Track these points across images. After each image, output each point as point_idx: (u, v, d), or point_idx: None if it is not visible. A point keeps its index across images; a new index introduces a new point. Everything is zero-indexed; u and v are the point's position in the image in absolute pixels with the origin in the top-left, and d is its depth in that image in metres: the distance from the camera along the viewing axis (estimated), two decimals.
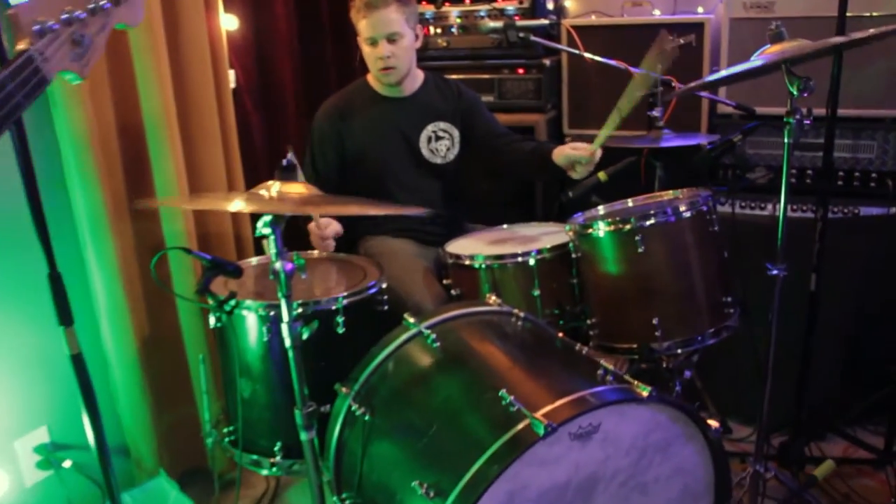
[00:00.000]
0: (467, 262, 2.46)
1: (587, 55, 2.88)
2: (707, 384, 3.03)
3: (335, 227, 2.52)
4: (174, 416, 2.72)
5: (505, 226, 2.82)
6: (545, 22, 2.97)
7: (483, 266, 2.43)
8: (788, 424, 2.72)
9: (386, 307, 2.38)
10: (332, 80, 3.14)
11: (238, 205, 1.73)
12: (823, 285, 2.57)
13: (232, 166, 2.81)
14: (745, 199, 3.01)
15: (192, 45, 2.59)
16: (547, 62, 3.37)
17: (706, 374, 2.86)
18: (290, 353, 1.87)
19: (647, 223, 2.15)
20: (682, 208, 2.18)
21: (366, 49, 2.70)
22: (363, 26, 2.65)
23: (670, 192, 2.47)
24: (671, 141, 2.59)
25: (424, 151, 2.83)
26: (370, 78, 2.83)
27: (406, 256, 2.73)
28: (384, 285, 2.37)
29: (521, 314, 2.05)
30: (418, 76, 2.87)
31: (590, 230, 2.25)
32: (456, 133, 2.87)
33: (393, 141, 2.81)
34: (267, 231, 1.79)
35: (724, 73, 2.11)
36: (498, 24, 2.86)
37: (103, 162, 2.35)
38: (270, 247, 1.82)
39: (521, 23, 2.88)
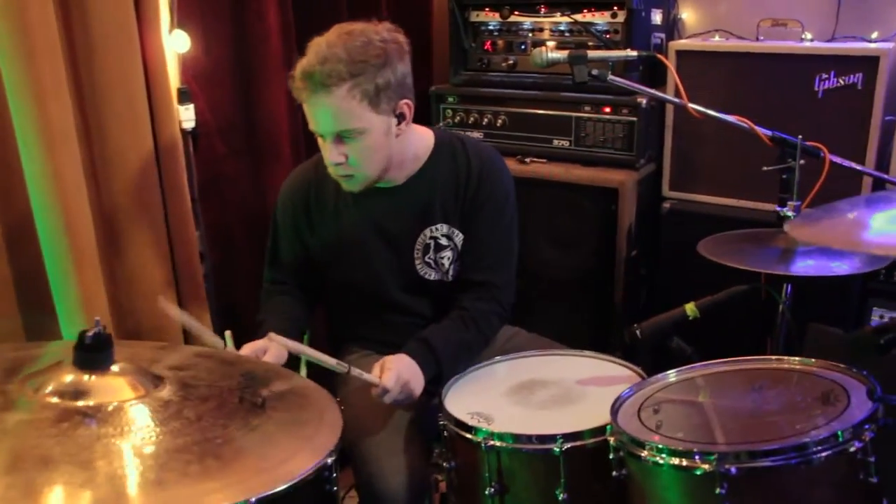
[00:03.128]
0: (465, 435, 1.61)
1: (692, 107, 1.94)
2: None
3: (273, 354, 1.70)
4: None
5: (534, 355, 1.93)
6: (633, 54, 2.02)
7: (485, 445, 1.57)
8: None
9: (334, 488, 1.58)
10: None
11: None
12: None
13: (183, 237, 2.08)
14: None
15: (113, 78, 1.85)
16: (643, 101, 2.43)
17: None
18: None
19: (737, 469, 1.20)
20: (816, 448, 1.19)
21: (318, 139, 1.77)
22: (304, 109, 1.72)
23: (795, 360, 1.50)
24: (808, 265, 1.64)
25: (418, 265, 1.90)
26: None
27: None
28: (331, 459, 1.57)
29: None
30: (420, 151, 1.88)
31: (643, 452, 1.33)
32: (460, 238, 1.89)
33: (372, 249, 1.89)
34: None
35: None
36: (558, 54, 1.95)
37: None
38: None
39: (595, 54, 1.96)
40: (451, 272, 1.90)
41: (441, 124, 2.79)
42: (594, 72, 1.95)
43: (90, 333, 1.07)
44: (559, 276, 2.59)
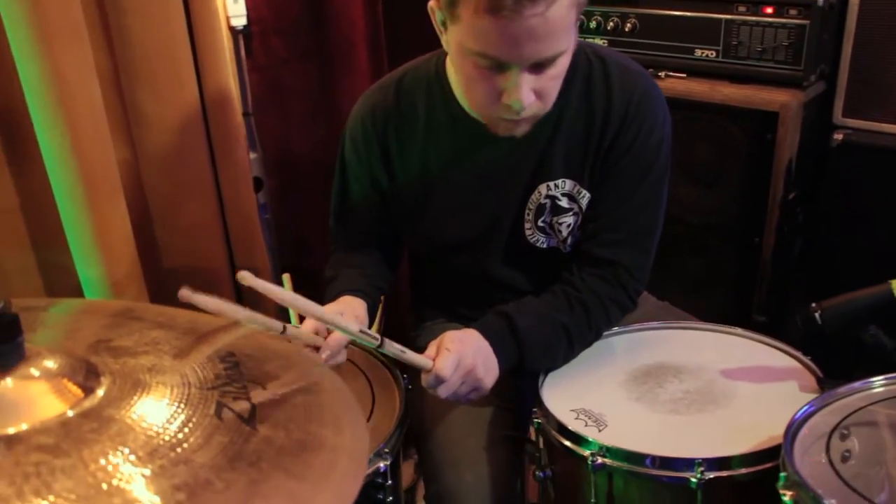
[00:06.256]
0: (566, 443, 1.20)
1: None
2: None
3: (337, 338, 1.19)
4: None
5: (664, 327, 1.48)
6: None
7: (592, 462, 1.15)
8: None
9: (390, 499, 1.22)
10: None
11: None
12: None
13: (231, 157, 1.71)
14: None
15: None
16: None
17: None
18: None
19: None
20: None
21: (471, 72, 1.20)
22: (485, 32, 1.11)
23: None
24: None
25: (528, 229, 1.39)
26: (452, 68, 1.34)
27: None
28: (385, 464, 1.20)
29: None
30: None
31: None
32: (586, 199, 1.37)
33: (467, 206, 1.39)
34: None
35: None
36: None
37: None
38: None
39: None
40: (569, 241, 1.39)
41: None
42: None
43: None
44: (694, 220, 2.08)
